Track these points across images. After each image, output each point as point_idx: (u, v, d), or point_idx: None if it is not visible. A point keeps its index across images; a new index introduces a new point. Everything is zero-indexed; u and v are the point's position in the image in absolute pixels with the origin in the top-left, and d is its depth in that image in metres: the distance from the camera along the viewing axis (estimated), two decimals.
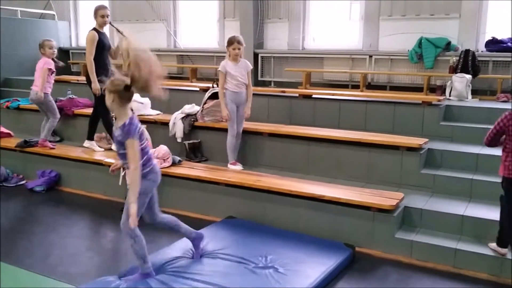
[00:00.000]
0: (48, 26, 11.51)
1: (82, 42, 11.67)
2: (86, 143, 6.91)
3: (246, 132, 6.37)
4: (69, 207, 5.93)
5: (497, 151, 5.33)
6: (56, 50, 7.05)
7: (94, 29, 6.45)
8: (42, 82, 6.79)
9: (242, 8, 9.45)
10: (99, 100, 6.26)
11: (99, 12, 6.43)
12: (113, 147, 6.88)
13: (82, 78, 8.15)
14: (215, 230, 4.83)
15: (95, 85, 6.31)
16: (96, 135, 7.08)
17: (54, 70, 6.98)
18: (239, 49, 5.76)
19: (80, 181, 6.51)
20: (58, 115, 7.10)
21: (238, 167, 5.99)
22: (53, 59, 6.94)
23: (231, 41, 5.77)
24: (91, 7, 6.20)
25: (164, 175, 5.77)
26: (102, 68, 6.28)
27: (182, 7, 10.82)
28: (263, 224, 5.05)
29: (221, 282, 3.73)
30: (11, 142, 7.23)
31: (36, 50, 7.00)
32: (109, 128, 6.49)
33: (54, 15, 11.93)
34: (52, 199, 6.23)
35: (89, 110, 7.56)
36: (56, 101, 7.82)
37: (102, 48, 6.41)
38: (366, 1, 8.71)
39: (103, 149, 6.82)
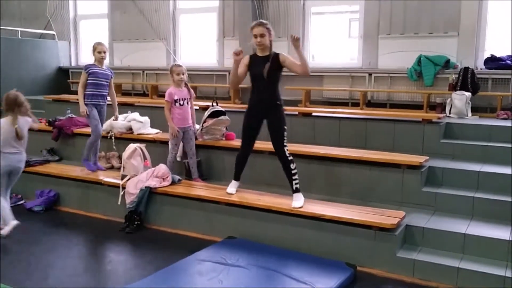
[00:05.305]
0: (48, 46, 11.63)
1: (82, 61, 11.72)
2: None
3: None
4: (68, 227, 5.89)
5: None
6: (184, 76, 6.10)
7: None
8: (167, 117, 6.09)
9: (242, 27, 9.48)
10: None
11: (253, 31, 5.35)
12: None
13: None
14: (216, 250, 4.78)
15: None
16: None
17: (185, 98, 6.10)
18: None
19: (79, 201, 6.46)
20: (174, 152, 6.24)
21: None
22: (186, 85, 6.17)
23: None
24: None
25: (164, 194, 5.79)
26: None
27: (182, 26, 10.89)
28: (263, 244, 4.99)
29: None
30: None
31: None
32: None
33: (54, 35, 12.03)
34: (51, 219, 6.18)
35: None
36: (55, 121, 7.82)
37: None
38: (365, 19, 8.76)
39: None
